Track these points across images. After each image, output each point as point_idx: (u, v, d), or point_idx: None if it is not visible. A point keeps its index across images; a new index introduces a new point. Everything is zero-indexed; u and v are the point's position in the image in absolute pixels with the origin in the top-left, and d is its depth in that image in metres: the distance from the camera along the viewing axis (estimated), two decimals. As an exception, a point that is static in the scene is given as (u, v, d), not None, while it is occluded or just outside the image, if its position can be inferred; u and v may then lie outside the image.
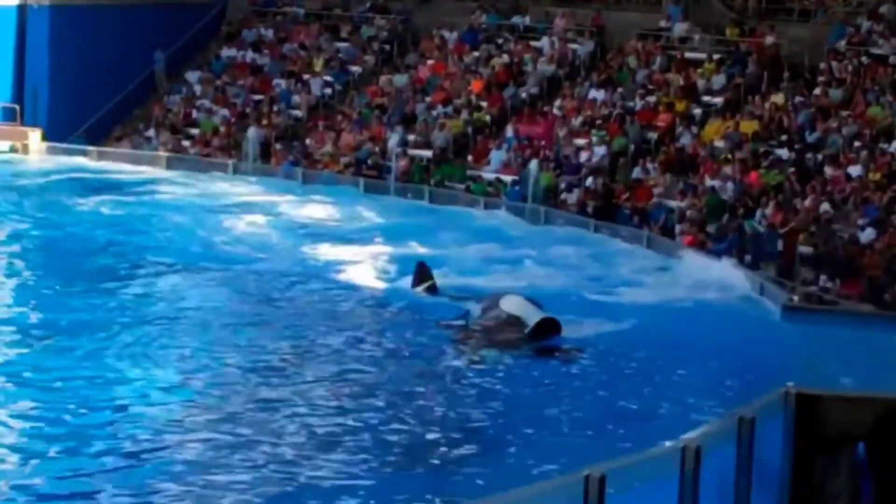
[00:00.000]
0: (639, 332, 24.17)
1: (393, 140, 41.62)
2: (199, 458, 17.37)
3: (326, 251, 32.28)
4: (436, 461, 17.23)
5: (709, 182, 35.21)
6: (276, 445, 17.79)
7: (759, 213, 32.77)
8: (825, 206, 32.22)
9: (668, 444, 14.77)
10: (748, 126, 37.57)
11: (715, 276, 29.07)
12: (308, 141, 44.51)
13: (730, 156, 36.14)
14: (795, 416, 16.25)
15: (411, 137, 42.81)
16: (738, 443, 15.26)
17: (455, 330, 23.68)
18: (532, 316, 23.07)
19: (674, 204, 35.08)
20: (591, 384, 21.24)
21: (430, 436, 18.13)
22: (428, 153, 41.96)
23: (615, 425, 19.11)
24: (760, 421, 15.39)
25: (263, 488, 16.17)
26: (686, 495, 14.21)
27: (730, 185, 34.71)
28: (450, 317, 24.63)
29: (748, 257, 31.46)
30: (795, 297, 27.54)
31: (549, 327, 22.91)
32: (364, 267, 30.02)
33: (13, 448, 17.65)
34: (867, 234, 30.78)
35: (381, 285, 28.48)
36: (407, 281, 27.62)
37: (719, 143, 37.34)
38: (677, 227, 34.17)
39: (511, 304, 23.65)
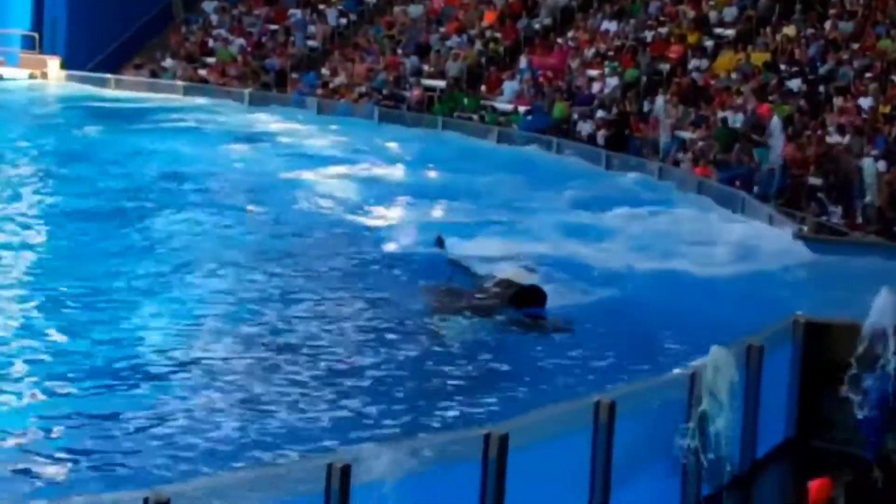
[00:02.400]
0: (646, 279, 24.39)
1: None
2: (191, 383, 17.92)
3: (337, 181, 32.70)
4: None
5: (720, 113, 35.53)
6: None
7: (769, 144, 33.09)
8: (836, 138, 32.54)
9: (676, 371, 15.31)
10: (759, 58, 37.82)
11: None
12: (323, 70, 44.79)
13: (741, 87, 36.42)
14: (804, 345, 16.76)
15: (425, 67, 43.10)
16: (747, 371, 15.79)
17: (433, 294, 22.12)
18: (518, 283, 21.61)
19: (685, 135, 35.42)
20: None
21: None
22: (441, 83, 42.26)
23: (619, 352, 19.47)
24: (769, 349, 15.92)
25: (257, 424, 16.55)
26: (695, 421, 14.77)
27: (740, 116, 35.04)
28: (436, 278, 23.18)
29: (757, 188, 31.78)
30: (805, 228, 27.85)
31: (533, 297, 21.14)
32: (370, 200, 30.36)
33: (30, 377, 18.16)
34: (878, 166, 31.08)
35: (387, 222, 28.76)
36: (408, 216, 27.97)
37: (731, 75, 37.59)
38: (684, 157, 34.51)
39: (506, 272, 22.25)
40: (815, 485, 12.32)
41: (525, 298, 20.84)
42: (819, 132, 32.90)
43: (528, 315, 20.75)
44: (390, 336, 19.83)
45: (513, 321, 20.57)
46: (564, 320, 20.75)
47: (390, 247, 26.11)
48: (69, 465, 15.25)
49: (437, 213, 29.47)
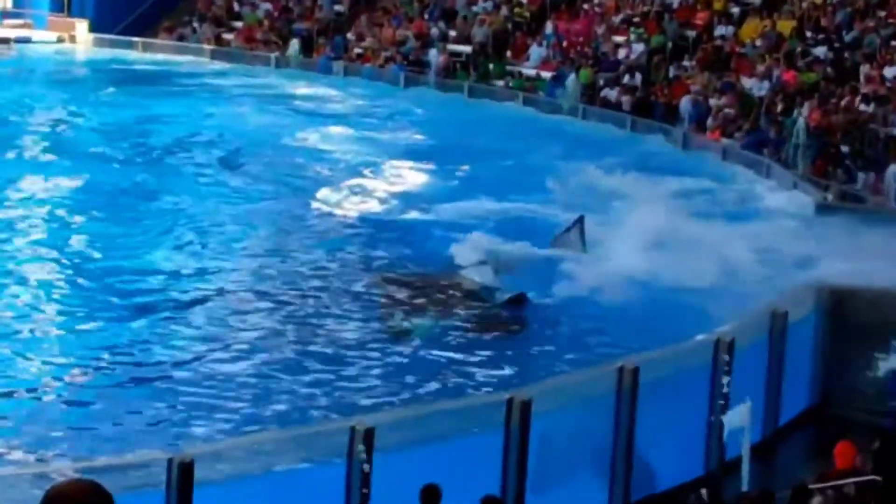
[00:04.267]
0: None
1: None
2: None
3: (357, 145, 32.77)
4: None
5: (745, 81, 35.38)
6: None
7: (795, 111, 32.93)
8: (862, 106, 32.36)
9: (701, 337, 15.32)
10: (785, 25, 37.63)
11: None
12: (350, 35, 44.75)
13: (766, 55, 36.25)
14: (828, 311, 16.74)
15: (451, 33, 43.02)
16: (770, 337, 15.80)
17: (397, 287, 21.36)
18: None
19: (711, 101, 35.28)
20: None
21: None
22: (467, 48, 42.17)
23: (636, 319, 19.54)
24: (793, 315, 15.91)
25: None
26: (718, 387, 14.80)
27: (766, 83, 34.89)
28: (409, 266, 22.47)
29: (783, 155, 31.66)
30: (830, 196, 27.73)
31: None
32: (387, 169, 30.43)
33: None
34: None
35: (406, 187, 28.85)
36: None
37: (757, 42, 37.41)
38: (709, 123, 34.39)
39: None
40: (839, 449, 12.31)
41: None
42: (846, 100, 32.72)
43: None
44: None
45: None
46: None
47: (411, 214, 26.24)
48: (93, 428, 15.38)
49: (457, 177, 29.50)
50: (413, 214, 26.23)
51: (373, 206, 27.15)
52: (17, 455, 14.29)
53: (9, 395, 16.04)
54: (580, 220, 23.88)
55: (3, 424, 15.20)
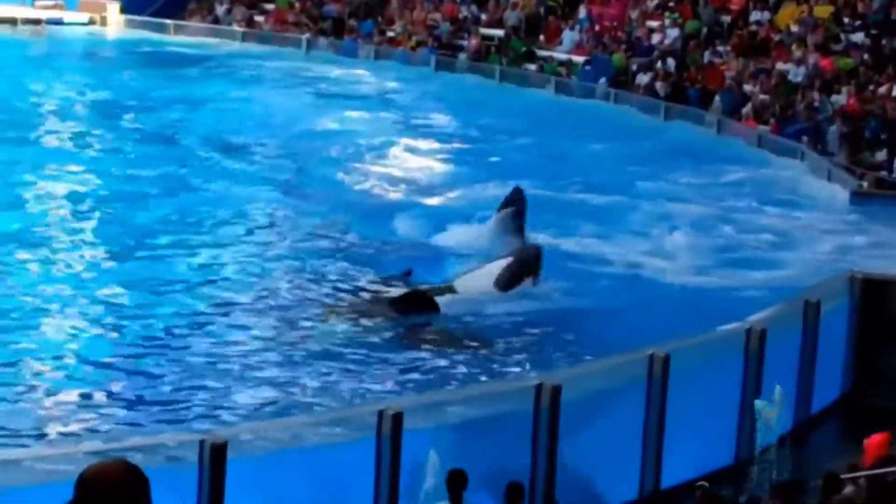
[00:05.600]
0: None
1: None
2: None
3: (384, 128, 32.73)
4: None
5: (781, 66, 35.18)
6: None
7: (833, 98, 32.75)
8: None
9: (732, 325, 15.24)
10: (822, 10, 37.36)
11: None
12: (381, 18, 44.68)
13: (803, 40, 36.02)
14: (861, 301, 16.64)
15: (483, 16, 42.90)
16: (804, 326, 15.71)
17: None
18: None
19: (746, 88, 35.10)
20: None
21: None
22: (499, 32, 42.04)
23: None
24: (826, 304, 15.82)
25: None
26: (750, 376, 14.73)
27: (802, 69, 34.68)
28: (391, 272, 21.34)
29: (819, 142, 31.51)
30: (865, 183, 27.57)
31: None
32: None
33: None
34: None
35: (431, 172, 28.78)
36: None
37: (793, 27, 37.18)
38: (744, 110, 34.21)
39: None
40: (872, 442, 12.25)
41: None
42: (884, 87, 32.51)
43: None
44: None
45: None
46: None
47: (433, 200, 26.20)
48: (126, 409, 15.44)
49: (483, 162, 29.45)
50: (434, 200, 26.20)
51: (396, 191, 27.11)
52: (50, 435, 14.35)
53: (41, 376, 16.09)
54: (515, 198, 22.08)
55: (35, 405, 15.26)
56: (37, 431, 14.43)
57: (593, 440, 13.39)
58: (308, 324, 18.49)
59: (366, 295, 19.97)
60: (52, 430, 14.52)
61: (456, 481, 11.29)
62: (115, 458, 4.52)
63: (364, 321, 18.71)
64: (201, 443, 10.47)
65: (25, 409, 15.12)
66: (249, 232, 23.42)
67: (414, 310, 19.02)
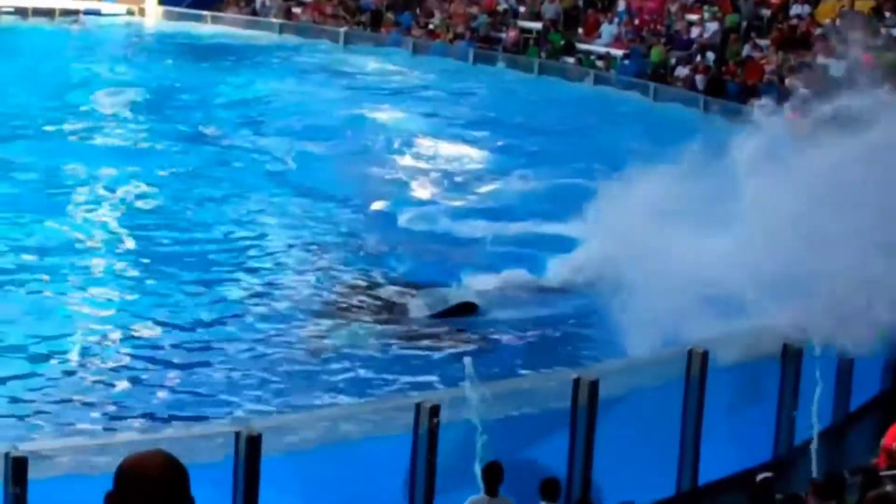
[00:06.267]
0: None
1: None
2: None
3: (421, 122, 32.66)
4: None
5: (821, 60, 34.92)
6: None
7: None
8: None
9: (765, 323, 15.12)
10: (864, 4, 37.11)
11: None
12: (419, 11, 44.62)
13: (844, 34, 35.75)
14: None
15: (522, 9, 42.79)
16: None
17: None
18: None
19: (787, 82, 34.87)
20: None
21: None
22: (538, 25, 41.92)
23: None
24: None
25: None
26: (788, 372, 14.64)
27: (843, 64, 34.40)
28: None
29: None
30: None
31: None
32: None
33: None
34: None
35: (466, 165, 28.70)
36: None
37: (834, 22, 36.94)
38: (787, 104, 33.96)
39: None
40: (892, 431, 12.22)
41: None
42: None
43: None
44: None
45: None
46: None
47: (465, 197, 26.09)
48: (160, 401, 15.46)
49: (520, 154, 29.35)
50: (470, 195, 26.13)
51: (430, 184, 27.07)
52: (85, 425, 14.38)
53: (77, 367, 16.14)
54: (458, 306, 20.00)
55: (70, 396, 15.30)
56: (72, 423, 14.46)
57: (630, 436, 13.33)
58: (341, 320, 18.50)
59: (398, 292, 19.98)
60: (86, 422, 14.55)
61: (492, 474, 11.17)
62: (154, 449, 4.47)
63: (396, 317, 18.76)
64: (237, 434, 10.45)
65: (63, 400, 15.18)
66: (284, 225, 23.43)
67: (455, 314, 19.39)
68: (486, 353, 17.73)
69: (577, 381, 12.63)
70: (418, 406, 11.41)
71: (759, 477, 11.81)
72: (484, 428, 11.86)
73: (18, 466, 9.81)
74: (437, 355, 17.54)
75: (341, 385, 16.08)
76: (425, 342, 18.11)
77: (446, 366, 16.96)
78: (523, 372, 16.74)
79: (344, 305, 19.20)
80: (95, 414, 14.82)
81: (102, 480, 4.43)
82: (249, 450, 10.35)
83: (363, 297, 19.60)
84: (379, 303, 19.45)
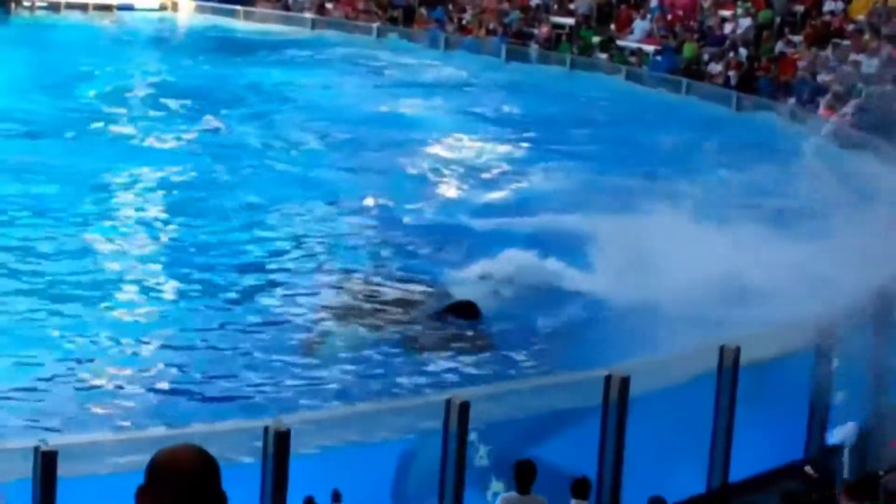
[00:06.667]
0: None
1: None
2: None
3: (454, 118, 32.61)
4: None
5: (854, 57, 34.73)
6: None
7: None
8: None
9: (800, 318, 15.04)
10: (897, 0, 36.93)
11: None
12: (451, 6, 44.57)
13: (877, 31, 35.58)
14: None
15: (554, 5, 42.67)
16: (875, 318, 15.48)
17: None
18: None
19: (819, 78, 34.70)
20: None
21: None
22: (570, 21, 41.82)
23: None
24: None
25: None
26: (822, 371, 14.56)
27: (875, 60, 34.23)
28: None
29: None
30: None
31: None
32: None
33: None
34: None
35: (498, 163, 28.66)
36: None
37: (866, 18, 36.74)
38: (820, 101, 33.80)
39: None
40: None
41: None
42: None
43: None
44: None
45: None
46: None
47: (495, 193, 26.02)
48: (187, 397, 15.50)
49: (551, 151, 29.27)
50: (501, 191, 26.08)
51: (462, 180, 27.04)
52: (114, 421, 14.41)
53: (105, 363, 16.18)
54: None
55: (98, 391, 15.34)
56: (101, 419, 14.50)
57: (662, 433, 13.27)
58: (345, 318, 18.51)
59: (405, 290, 20.00)
60: (115, 417, 14.59)
61: (524, 472, 11.10)
62: (186, 444, 4.47)
63: (399, 316, 18.85)
64: (265, 429, 10.44)
65: (89, 396, 15.22)
66: (314, 219, 23.44)
67: (459, 316, 19.24)
68: (490, 351, 17.77)
69: (608, 378, 12.58)
70: (448, 402, 11.38)
71: (804, 471, 11.76)
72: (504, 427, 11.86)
73: (48, 461, 9.82)
74: (442, 355, 17.53)
75: (345, 385, 16.08)
76: (429, 341, 18.11)
77: (448, 366, 16.99)
78: (528, 372, 16.74)
79: (348, 304, 19.20)
80: (122, 409, 14.85)
81: (132, 477, 4.43)
82: (278, 445, 10.34)
83: (369, 296, 19.61)
84: (385, 301, 19.44)
